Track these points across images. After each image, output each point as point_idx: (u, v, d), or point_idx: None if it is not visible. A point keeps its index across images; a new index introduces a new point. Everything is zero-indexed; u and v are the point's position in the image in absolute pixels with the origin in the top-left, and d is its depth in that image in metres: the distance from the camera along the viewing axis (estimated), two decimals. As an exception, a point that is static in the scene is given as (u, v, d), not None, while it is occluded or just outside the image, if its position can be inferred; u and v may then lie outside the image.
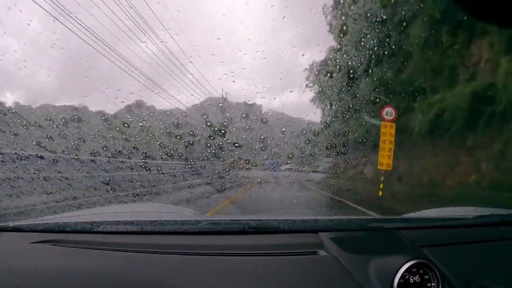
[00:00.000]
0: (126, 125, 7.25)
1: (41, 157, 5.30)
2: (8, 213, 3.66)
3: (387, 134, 7.58)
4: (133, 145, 7.20)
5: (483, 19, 1.08)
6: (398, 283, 0.93)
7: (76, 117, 7.80)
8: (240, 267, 1.02)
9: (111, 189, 6.22)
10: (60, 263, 1.08)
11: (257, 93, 6.88)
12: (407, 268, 0.96)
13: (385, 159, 7.56)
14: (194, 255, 1.09)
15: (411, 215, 1.81)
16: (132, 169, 7.59)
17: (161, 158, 8.87)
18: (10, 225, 1.33)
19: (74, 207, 4.40)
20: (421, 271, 0.97)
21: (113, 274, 1.01)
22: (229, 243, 1.17)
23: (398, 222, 1.36)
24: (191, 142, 6.96)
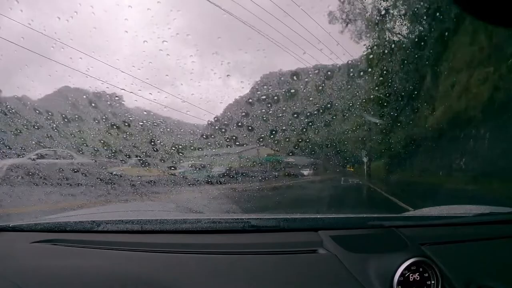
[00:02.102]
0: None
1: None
2: (8, 213, 3.63)
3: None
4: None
5: (483, 19, 1.07)
6: (398, 281, 0.93)
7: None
8: (240, 265, 1.02)
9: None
10: (60, 263, 1.08)
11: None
12: (407, 266, 0.96)
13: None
14: (194, 254, 1.09)
15: (411, 213, 1.81)
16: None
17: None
18: (10, 225, 1.33)
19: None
20: (421, 269, 0.97)
21: (114, 273, 1.01)
22: (229, 241, 1.17)
23: (398, 220, 1.36)
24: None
